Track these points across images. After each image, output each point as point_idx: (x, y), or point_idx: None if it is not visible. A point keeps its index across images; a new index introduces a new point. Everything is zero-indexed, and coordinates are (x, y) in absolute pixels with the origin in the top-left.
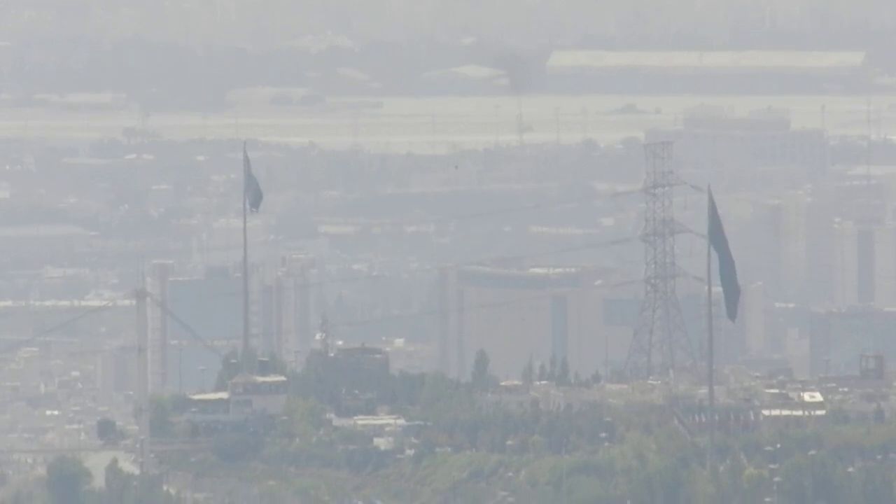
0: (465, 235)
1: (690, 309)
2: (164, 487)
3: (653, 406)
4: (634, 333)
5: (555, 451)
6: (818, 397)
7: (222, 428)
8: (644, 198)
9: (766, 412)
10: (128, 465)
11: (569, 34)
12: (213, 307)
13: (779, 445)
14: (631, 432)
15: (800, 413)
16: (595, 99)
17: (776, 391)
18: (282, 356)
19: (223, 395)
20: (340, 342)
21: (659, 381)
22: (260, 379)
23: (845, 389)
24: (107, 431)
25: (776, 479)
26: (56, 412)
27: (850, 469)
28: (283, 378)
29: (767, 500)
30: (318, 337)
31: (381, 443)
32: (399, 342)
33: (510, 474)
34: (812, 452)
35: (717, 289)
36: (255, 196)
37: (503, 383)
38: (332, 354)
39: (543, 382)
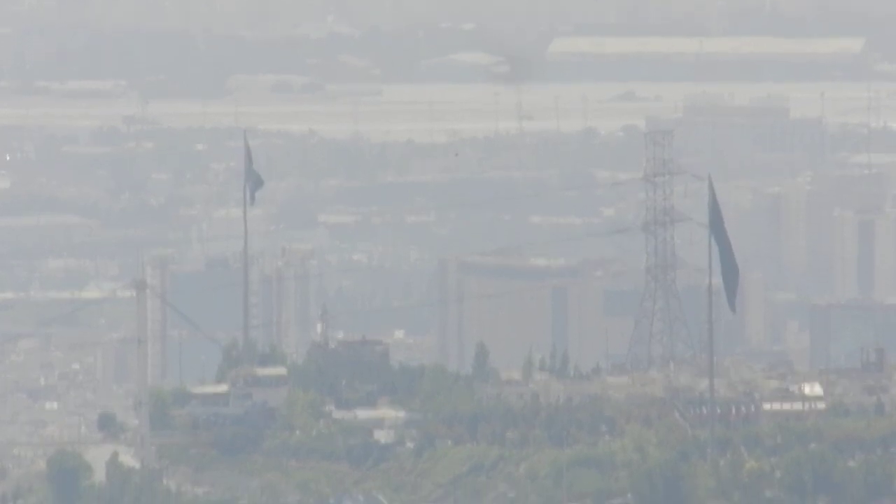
0: (465, 225)
1: (691, 300)
2: (165, 481)
3: (653, 399)
4: (635, 324)
5: (555, 444)
6: (818, 390)
7: (222, 421)
8: (644, 186)
9: (766, 405)
10: (128, 459)
11: (569, 21)
12: (213, 298)
13: (779, 439)
14: (631, 425)
15: (800, 406)
16: (595, 86)
17: (777, 384)
18: (282, 348)
19: (223, 388)
20: (341, 334)
21: (659, 374)
22: (260, 372)
23: (846, 382)
24: (107, 425)
25: (777, 472)
26: (56, 405)
27: (851, 462)
28: (283, 371)
29: (768, 493)
30: (318, 328)
31: (382, 436)
32: (399, 334)
33: (510, 467)
34: (812, 446)
35: (718, 280)
36: (255, 184)
37: (503, 376)
38: (332, 346)
39: (544, 375)
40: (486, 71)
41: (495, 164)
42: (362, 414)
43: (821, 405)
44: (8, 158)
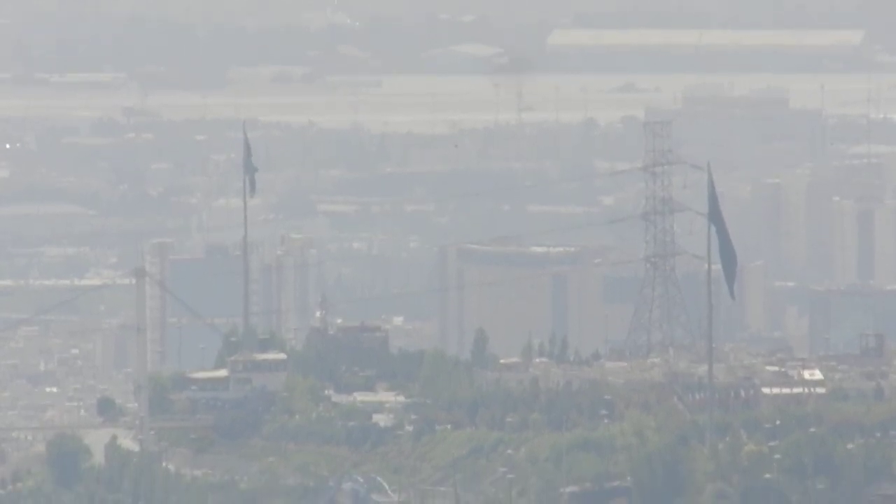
0: (464, 214)
1: (690, 287)
2: (164, 464)
3: (652, 384)
4: (634, 311)
5: (554, 428)
6: (818, 375)
7: (222, 405)
8: (644, 176)
9: (766, 390)
10: (127, 443)
11: (568, 12)
12: (212, 286)
13: (778, 422)
14: (630, 410)
15: (800, 391)
16: (595, 77)
17: (776, 369)
18: (281, 334)
19: (223, 372)
20: (340, 320)
21: (659, 359)
22: (260, 356)
23: (845, 367)
24: (106, 409)
25: (776, 455)
26: (55, 390)
27: (850, 446)
28: (282, 355)
29: (767, 476)
30: (317, 315)
31: (381, 419)
32: (398, 320)
33: (510, 451)
34: (812, 430)
35: (717, 267)
36: (250, 173)
37: (503, 361)
38: (331, 332)
39: (543, 360)
40: (485, 62)
41: (495, 155)
42: (361, 398)
43: (820, 390)
44: (8, 147)
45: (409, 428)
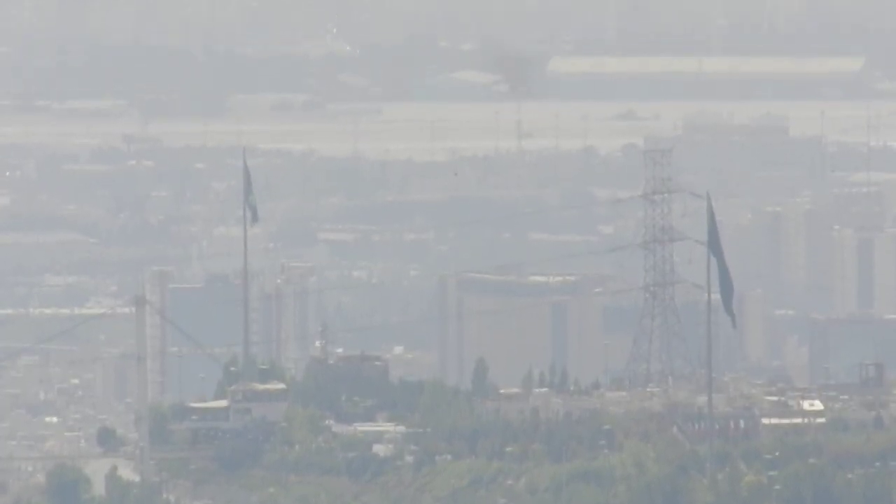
0: (464, 242)
1: (690, 316)
2: (164, 495)
3: (652, 414)
4: (634, 341)
5: (554, 458)
6: (818, 405)
7: (222, 435)
8: (643, 205)
9: (765, 420)
10: (128, 473)
11: (568, 40)
12: (212, 315)
13: (778, 453)
14: (630, 440)
15: (799, 421)
16: (595, 105)
17: (776, 399)
18: (281, 364)
19: (223, 402)
20: (340, 350)
21: (658, 389)
22: (260, 386)
23: (845, 397)
24: (107, 439)
25: (776, 486)
26: (55, 420)
27: (850, 476)
28: (282, 386)
29: None
30: (317, 344)
31: (381, 450)
32: (398, 349)
33: (510, 482)
34: (812, 460)
35: (717, 296)
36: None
37: (503, 391)
38: (331, 362)
39: (543, 390)
40: (485, 89)
41: (495, 183)
42: (361, 428)
43: (820, 420)
44: (8, 175)
45: (409, 458)
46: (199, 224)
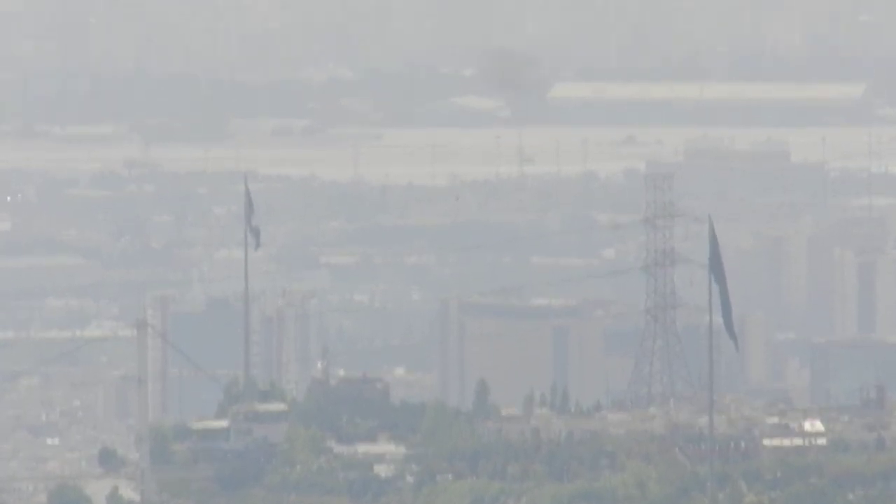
0: (465, 266)
1: (691, 339)
2: None
3: (653, 435)
4: (635, 364)
5: (556, 479)
6: (819, 426)
7: (223, 456)
8: (645, 229)
9: (766, 441)
10: (129, 493)
11: (570, 66)
12: (213, 338)
13: (779, 474)
14: (631, 461)
15: (800, 442)
16: (596, 130)
17: (777, 420)
18: (282, 385)
19: (224, 423)
20: (341, 371)
21: (659, 411)
22: (261, 407)
23: (846, 419)
24: (108, 460)
25: None
26: (57, 441)
27: (851, 497)
28: (284, 406)
29: None
30: (319, 366)
31: (382, 470)
32: (400, 371)
33: (511, 502)
34: (813, 481)
35: (718, 319)
36: (254, 230)
37: (504, 412)
38: (333, 383)
39: (544, 411)
40: (487, 115)
41: (496, 207)
42: (362, 449)
43: (821, 441)
44: (9, 200)
45: (411, 479)
46: (200, 248)
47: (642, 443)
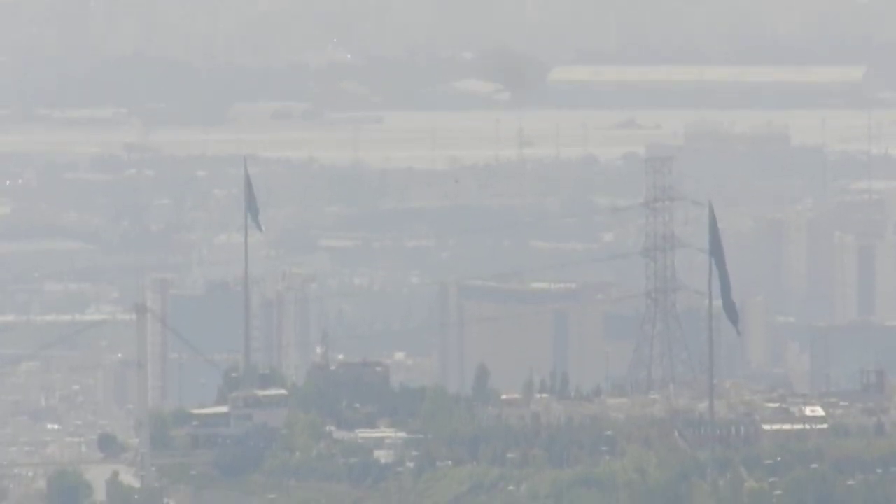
0: (465, 250)
1: (691, 323)
2: (165, 500)
3: (653, 420)
4: (635, 348)
5: (555, 464)
6: (819, 411)
7: (223, 441)
8: (644, 212)
9: (766, 426)
10: (128, 479)
11: (569, 49)
12: (213, 322)
13: (779, 459)
14: (631, 446)
15: (801, 427)
16: (595, 114)
17: (777, 405)
18: (282, 370)
19: (224, 408)
20: (341, 356)
21: (659, 395)
22: (260, 392)
23: (846, 404)
24: (107, 445)
25: (777, 492)
26: (57, 426)
27: (851, 482)
28: (283, 392)
29: None
30: (318, 351)
31: (382, 455)
32: (399, 356)
33: (511, 488)
34: (813, 466)
35: (718, 303)
36: (254, 212)
37: (504, 397)
38: (332, 368)
39: (544, 396)
40: (486, 98)
41: (496, 191)
42: (363, 434)
43: (821, 426)
44: (8, 184)
45: (410, 464)
46: (199, 232)
47: (642, 428)
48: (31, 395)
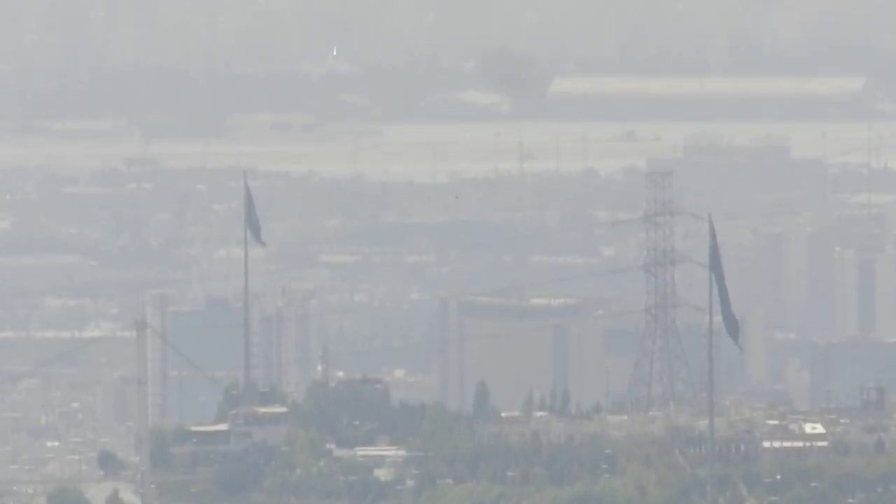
0: (465, 265)
1: (691, 339)
2: None
3: (653, 438)
4: (635, 364)
5: (556, 482)
6: (819, 429)
7: (223, 459)
8: (645, 226)
9: (766, 444)
10: (128, 496)
11: (569, 61)
12: (213, 338)
13: (779, 476)
14: (631, 464)
15: (801, 444)
16: (596, 126)
17: (777, 422)
18: (282, 387)
19: (224, 426)
20: (341, 373)
21: (660, 413)
22: (260, 410)
23: (846, 421)
24: (107, 462)
25: None
26: (56, 443)
27: (851, 500)
28: (283, 409)
29: None
30: (318, 368)
31: (382, 474)
32: (399, 373)
33: None
34: (813, 484)
35: (718, 318)
36: (255, 227)
37: (504, 414)
38: (332, 385)
39: (544, 413)
40: (486, 110)
41: (496, 205)
42: (363, 452)
43: (821, 444)
44: (9, 198)
45: (411, 482)
46: (199, 246)
47: (642, 445)
48: (31, 412)
